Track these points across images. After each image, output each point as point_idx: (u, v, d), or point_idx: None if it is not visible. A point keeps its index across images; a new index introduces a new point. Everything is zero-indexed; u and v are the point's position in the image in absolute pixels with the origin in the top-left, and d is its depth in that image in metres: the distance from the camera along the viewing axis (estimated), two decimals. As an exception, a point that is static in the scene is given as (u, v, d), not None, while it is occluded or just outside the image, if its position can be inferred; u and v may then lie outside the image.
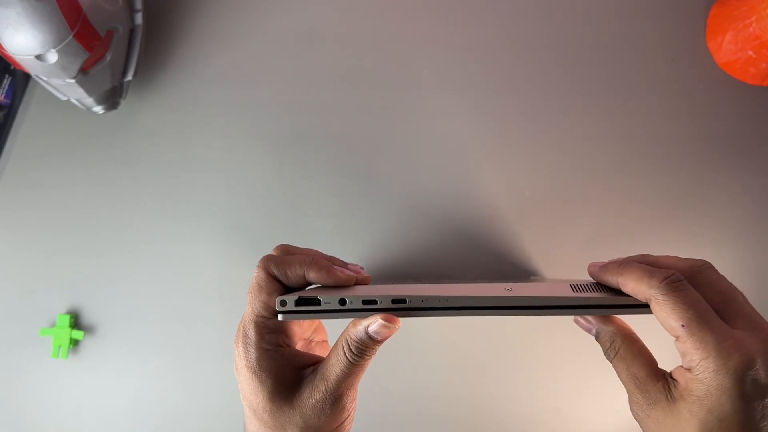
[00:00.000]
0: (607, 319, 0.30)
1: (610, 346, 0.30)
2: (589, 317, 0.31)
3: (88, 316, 0.55)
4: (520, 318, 0.53)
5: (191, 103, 0.56)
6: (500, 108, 0.55)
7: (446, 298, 0.27)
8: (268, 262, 0.30)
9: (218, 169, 0.55)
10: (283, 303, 0.28)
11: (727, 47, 0.52)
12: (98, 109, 0.52)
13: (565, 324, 0.53)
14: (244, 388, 0.30)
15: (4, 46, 0.43)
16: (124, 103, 0.54)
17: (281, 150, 0.55)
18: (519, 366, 0.53)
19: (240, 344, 0.30)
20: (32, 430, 0.54)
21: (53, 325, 0.54)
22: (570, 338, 0.53)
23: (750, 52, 0.50)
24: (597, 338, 0.31)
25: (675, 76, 0.54)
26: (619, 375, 0.29)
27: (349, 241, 0.54)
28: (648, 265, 0.29)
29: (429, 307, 0.28)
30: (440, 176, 0.54)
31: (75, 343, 0.54)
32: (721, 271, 0.53)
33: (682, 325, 0.26)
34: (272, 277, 0.30)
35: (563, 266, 0.53)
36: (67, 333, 0.53)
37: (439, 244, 0.54)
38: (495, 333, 0.53)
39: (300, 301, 0.28)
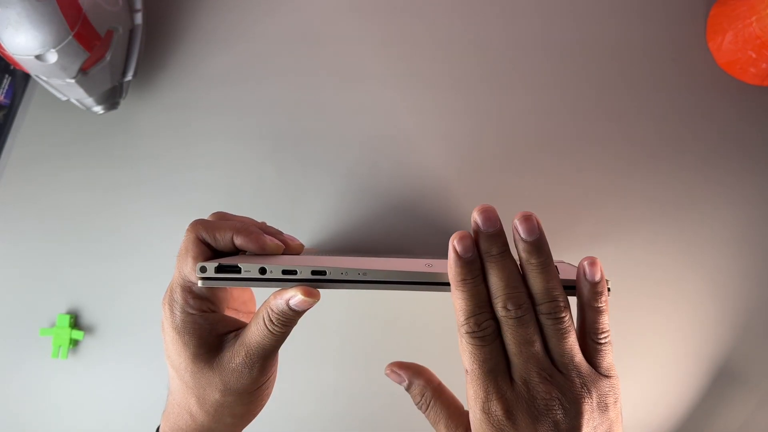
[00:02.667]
0: (416, 372, 0.31)
1: (421, 399, 0.31)
2: (399, 371, 0.31)
3: (88, 316, 0.55)
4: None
5: (191, 103, 0.56)
6: (500, 107, 0.55)
7: (365, 272, 0.27)
8: (197, 225, 0.30)
9: (218, 168, 0.55)
10: (203, 269, 0.28)
11: (727, 47, 0.52)
12: (98, 109, 0.52)
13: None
14: (168, 348, 0.31)
15: (4, 46, 0.43)
16: (124, 103, 0.54)
17: (281, 150, 0.55)
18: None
19: (166, 305, 0.30)
20: (32, 429, 0.54)
21: (53, 325, 0.54)
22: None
23: (750, 52, 0.50)
24: (408, 389, 0.31)
25: (675, 76, 0.54)
26: (432, 425, 0.31)
27: (349, 240, 0.54)
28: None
29: (348, 280, 0.28)
30: (440, 175, 0.54)
31: (75, 343, 0.54)
32: (722, 272, 0.53)
33: (466, 371, 0.27)
34: (201, 241, 0.30)
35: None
36: (67, 333, 0.53)
37: (441, 246, 0.54)
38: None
39: (220, 268, 0.27)
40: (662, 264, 0.53)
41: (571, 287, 0.29)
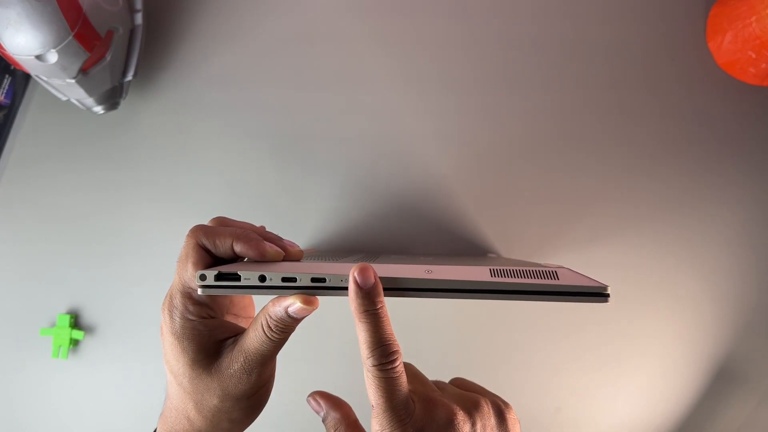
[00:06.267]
0: (335, 405, 0.32)
1: None
2: (320, 400, 0.32)
3: (88, 316, 0.55)
4: (520, 317, 0.53)
5: (191, 103, 0.56)
6: (499, 107, 0.55)
7: None
8: (197, 231, 0.30)
9: (218, 168, 0.55)
10: (203, 277, 0.27)
11: (727, 47, 0.52)
12: (98, 109, 0.52)
13: (564, 324, 0.53)
14: (167, 353, 0.31)
15: (4, 46, 0.43)
16: (124, 103, 0.54)
17: (281, 150, 0.55)
18: (519, 366, 0.53)
19: (166, 311, 0.30)
20: (32, 429, 0.54)
21: (53, 325, 0.54)
22: (569, 338, 0.53)
23: (750, 53, 0.50)
24: (323, 421, 0.32)
25: (675, 76, 0.54)
26: None
27: (349, 240, 0.54)
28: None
29: (347, 287, 0.28)
30: (439, 175, 0.54)
31: (75, 343, 0.54)
32: (721, 272, 0.53)
33: (373, 406, 0.28)
34: (201, 247, 0.30)
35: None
36: (67, 333, 0.53)
37: (440, 246, 0.54)
38: (495, 333, 0.53)
39: (220, 276, 0.27)
40: (662, 264, 0.53)
41: (568, 293, 0.28)
